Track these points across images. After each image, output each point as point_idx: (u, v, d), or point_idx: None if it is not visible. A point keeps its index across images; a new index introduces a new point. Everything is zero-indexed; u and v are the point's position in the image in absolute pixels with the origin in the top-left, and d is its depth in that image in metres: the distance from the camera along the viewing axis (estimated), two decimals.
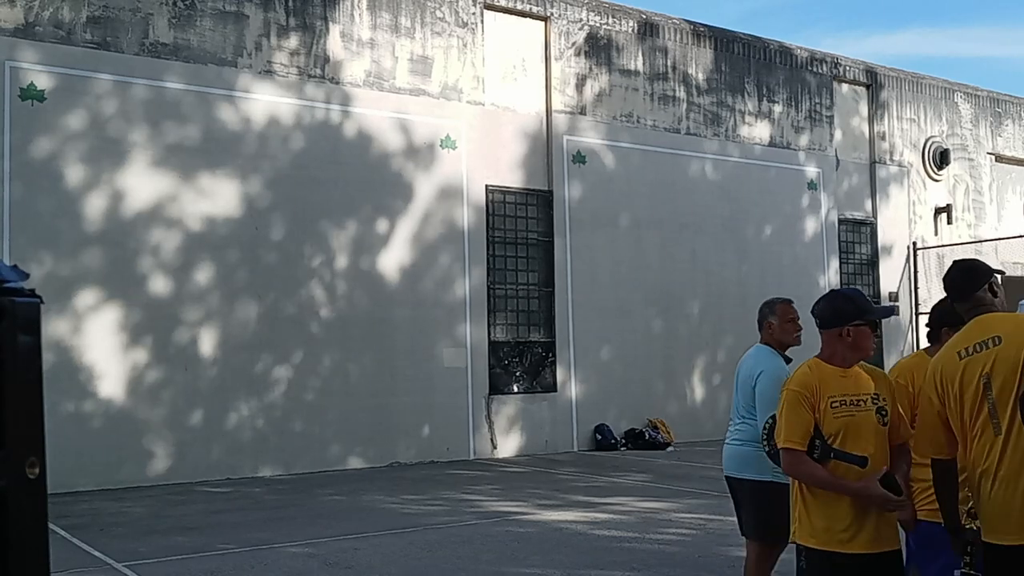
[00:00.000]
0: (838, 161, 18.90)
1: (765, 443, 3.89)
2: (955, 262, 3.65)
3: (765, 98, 17.87)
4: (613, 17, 16.21)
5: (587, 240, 15.52)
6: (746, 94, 17.63)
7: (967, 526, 3.44)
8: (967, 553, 3.38)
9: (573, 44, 15.72)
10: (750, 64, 17.76)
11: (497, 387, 14.55)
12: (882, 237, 19.45)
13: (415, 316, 13.80)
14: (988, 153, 21.51)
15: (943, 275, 3.62)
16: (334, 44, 13.49)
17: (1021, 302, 11.87)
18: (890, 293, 19.32)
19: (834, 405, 3.49)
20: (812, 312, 3.74)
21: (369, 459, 13.24)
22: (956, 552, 3.45)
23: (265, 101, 12.92)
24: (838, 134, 18.97)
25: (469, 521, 8.94)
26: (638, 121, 16.27)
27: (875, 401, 3.55)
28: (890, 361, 18.95)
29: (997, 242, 19.82)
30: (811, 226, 18.36)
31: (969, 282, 3.47)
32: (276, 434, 12.65)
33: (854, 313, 3.58)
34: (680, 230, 16.55)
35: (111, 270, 11.76)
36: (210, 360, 12.31)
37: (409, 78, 14.06)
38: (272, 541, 8.11)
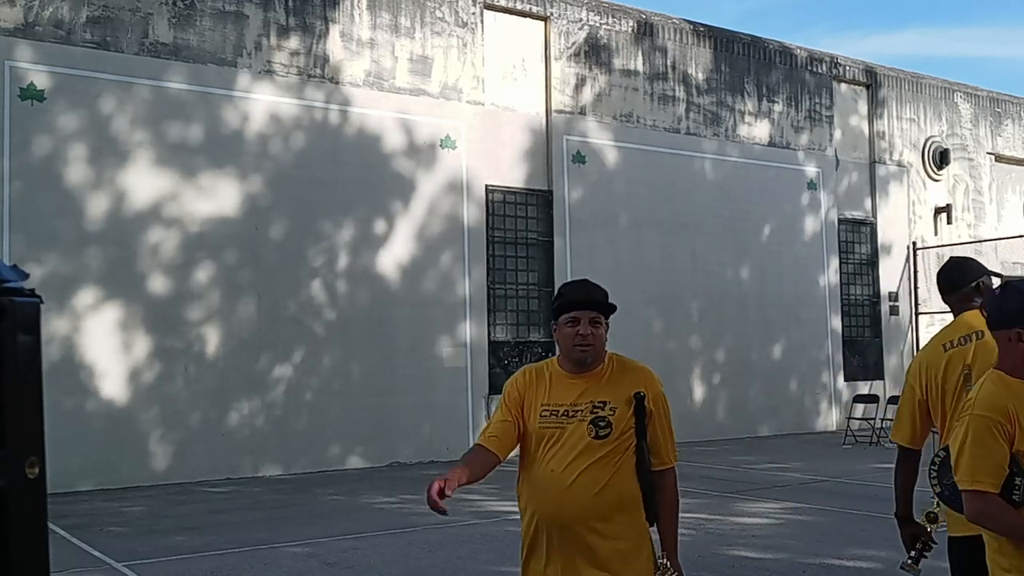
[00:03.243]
0: (838, 161, 18.89)
1: (935, 482, 3.11)
2: (951, 257, 3.82)
3: (764, 98, 17.87)
4: (613, 17, 16.21)
5: (587, 240, 15.51)
6: (745, 94, 17.62)
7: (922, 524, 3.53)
8: (914, 548, 3.50)
9: (573, 44, 15.72)
10: (750, 64, 17.75)
11: (497, 387, 14.54)
12: (882, 237, 19.44)
13: (415, 316, 13.81)
14: (988, 153, 21.50)
15: (939, 268, 3.77)
16: (334, 44, 13.49)
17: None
18: (890, 293, 19.32)
19: None
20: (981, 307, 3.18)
21: (369, 459, 13.25)
22: (904, 543, 3.57)
23: (265, 101, 12.92)
24: (837, 134, 18.97)
25: (469, 521, 8.94)
26: (638, 121, 16.27)
27: None
28: (890, 361, 18.96)
29: (997, 242, 19.81)
30: (811, 226, 18.35)
31: (960, 277, 3.66)
32: (276, 434, 12.66)
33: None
34: (680, 230, 16.55)
35: (111, 270, 11.76)
36: (210, 359, 12.31)
37: (409, 78, 14.06)
38: (272, 541, 8.11)
